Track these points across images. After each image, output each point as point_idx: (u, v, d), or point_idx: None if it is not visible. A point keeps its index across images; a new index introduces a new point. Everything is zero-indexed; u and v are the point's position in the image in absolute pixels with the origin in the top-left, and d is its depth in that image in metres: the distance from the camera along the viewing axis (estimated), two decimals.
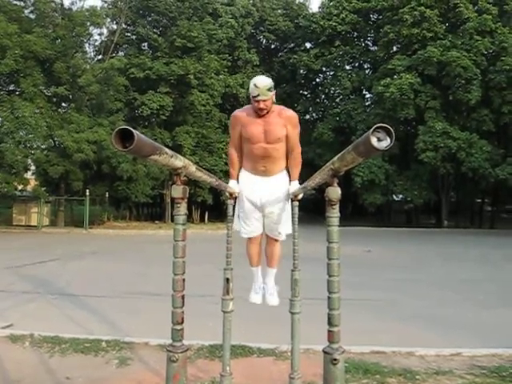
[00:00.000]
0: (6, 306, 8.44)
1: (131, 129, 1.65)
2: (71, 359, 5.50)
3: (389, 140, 1.64)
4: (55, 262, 15.40)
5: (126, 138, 1.66)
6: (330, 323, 2.26)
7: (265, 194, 4.17)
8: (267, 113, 3.90)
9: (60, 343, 5.93)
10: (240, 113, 4.16)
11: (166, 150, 2.02)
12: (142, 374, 5.04)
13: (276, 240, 4.41)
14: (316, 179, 2.88)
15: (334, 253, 2.28)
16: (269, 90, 3.78)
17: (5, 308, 8.23)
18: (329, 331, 2.26)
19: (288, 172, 4.31)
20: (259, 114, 3.90)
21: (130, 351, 5.73)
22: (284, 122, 3.98)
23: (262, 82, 3.78)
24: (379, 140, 1.63)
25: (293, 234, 4.11)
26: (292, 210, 4.20)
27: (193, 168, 2.53)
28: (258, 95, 3.75)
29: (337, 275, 2.28)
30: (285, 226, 4.27)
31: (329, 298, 2.28)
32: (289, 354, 4.71)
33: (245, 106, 4.35)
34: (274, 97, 3.92)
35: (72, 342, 5.94)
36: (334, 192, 2.26)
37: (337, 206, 2.29)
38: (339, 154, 2.07)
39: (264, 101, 3.78)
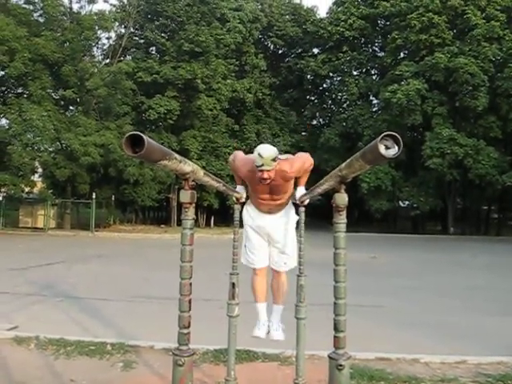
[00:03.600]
0: (11, 307, 8.46)
1: (141, 134, 1.66)
2: (76, 362, 5.51)
3: (396, 148, 1.64)
4: (61, 264, 15.43)
5: (135, 143, 1.67)
6: (335, 329, 2.26)
7: (270, 227, 4.16)
8: (270, 182, 3.79)
9: (65, 346, 5.93)
10: (242, 166, 4.06)
11: (175, 155, 2.03)
12: (146, 378, 5.04)
13: (281, 272, 4.30)
14: (323, 185, 2.89)
15: (341, 259, 2.28)
16: (273, 160, 3.66)
17: (10, 310, 8.25)
18: (335, 337, 2.26)
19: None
20: (262, 183, 3.80)
21: (134, 354, 5.73)
22: (286, 178, 3.90)
23: (266, 152, 3.66)
24: (387, 148, 1.63)
25: (299, 239, 4.12)
26: (298, 215, 4.20)
27: (201, 173, 2.54)
28: (262, 165, 3.65)
29: (343, 281, 2.28)
30: (291, 258, 4.22)
31: (335, 303, 2.29)
32: (294, 359, 4.71)
33: (248, 155, 4.13)
34: (277, 166, 3.76)
35: (77, 345, 5.94)
36: (342, 198, 2.26)
37: (344, 213, 2.29)
38: (347, 161, 2.08)
39: (268, 171, 3.68)
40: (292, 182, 4.03)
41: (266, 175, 3.69)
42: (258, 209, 4.20)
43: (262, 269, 4.28)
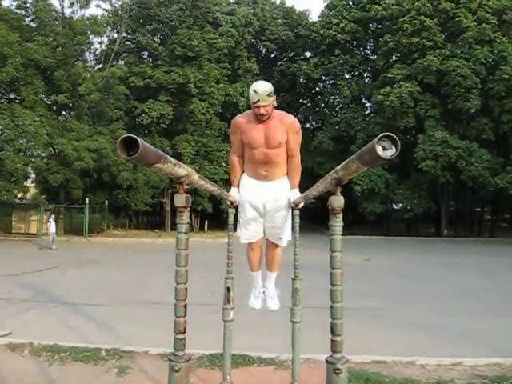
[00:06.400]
0: (4, 314, 8.40)
1: (136, 137, 1.65)
2: (70, 368, 5.47)
3: (394, 149, 1.63)
4: (54, 270, 15.39)
5: (130, 146, 1.66)
6: (332, 332, 2.25)
7: (266, 199, 4.11)
8: (268, 118, 3.85)
9: (59, 352, 5.89)
10: (240, 119, 4.10)
11: (170, 158, 2.02)
12: (141, 383, 5.01)
13: (276, 245, 4.34)
14: (319, 188, 2.87)
15: (337, 262, 2.27)
16: (269, 95, 3.72)
17: (4, 316, 8.20)
18: (332, 340, 2.25)
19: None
20: (260, 119, 3.84)
21: (129, 360, 5.70)
22: (285, 128, 3.93)
23: (261, 88, 3.72)
24: (384, 149, 1.62)
25: (294, 242, 4.10)
26: (293, 218, 4.18)
27: (195, 176, 2.52)
28: (258, 101, 3.69)
29: (339, 284, 2.27)
30: (285, 232, 4.22)
31: (331, 307, 2.27)
32: (289, 363, 4.69)
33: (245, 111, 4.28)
34: (274, 102, 3.87)
35: (71, 351, 5.90)
36: (338, 201, 2.25)
37: (340, 215, 2.28)
38: (343, 163, 2.06)
39: (264, 106, 3.73)
40: (285, 149, 4.03)
41: (262, 110, 3.74)
42: (254, 174, 4.17)
43: (257, 242, 4.32)
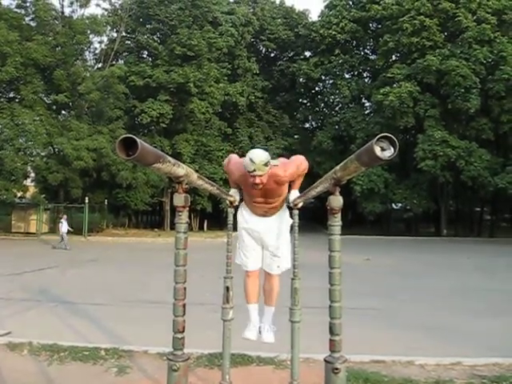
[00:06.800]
0: (4, 313, 8.40)
1: (135, 137, 1.65)
2: (70, 367, 5.47)
3: (392, 149, 1.63)
4: (54, 269, 15.39)
5: (129, 146, 1.66)
6: (331, 332, 2.25)
7: (266, 232, 4.11)
8: (263, 186, 3.73)
9: (59, 351, 5.89)
10: (236, 171, 3.99)
11: (169, 158, 2.02)
12: (141, 383, 5.01)
13: (274, 275, 4.24)
14: (318, 188, 2.87)
15: (336, 262, 2.27)
16: (265, 164, 3.60)
17: (3, 315, 8.20)
18: (330, 340, 2.24)
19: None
20: (255, 188, 3.74)
21: (128, 359, 5.70)
22: (280, 182, 3.85)
23: (258, 158, 3.59)
24: (383, 149, 1.62)
25: (293, 242, 4.10)
26: (292, 218, 4.18)
27: (195, 176, 2.52)
28: (254, 170, 3.59)
29: (338, 284, 2.27)
30: (284, 261, 4.17)
31: (330, 306, 2.27)
32: (288, 362, 4.69)
33: (242, 158, 3.95)
34: (270, 170, 3.70)
35: (71, 351, 5.90)
36: (337, 201, 2.25)
37: (339, 215, 2.28)
38: (342, 163, 2.06)
39: (260, 176, 3.62)
40: (286, 185, 3.99)
41: (258, 180, 3.64)
42: (253, 211, 4.16)
43: (255, 271, 4.24)
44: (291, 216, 4.21)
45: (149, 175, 31.11)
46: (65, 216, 24.90)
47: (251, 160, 3.58)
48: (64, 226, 23.42)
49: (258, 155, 3.62)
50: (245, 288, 4.28)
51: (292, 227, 4.18)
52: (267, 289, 4.28)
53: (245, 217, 4.18)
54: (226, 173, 4.24)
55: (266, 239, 4.12)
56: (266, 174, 3.66)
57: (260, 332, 4.24)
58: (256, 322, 4.24)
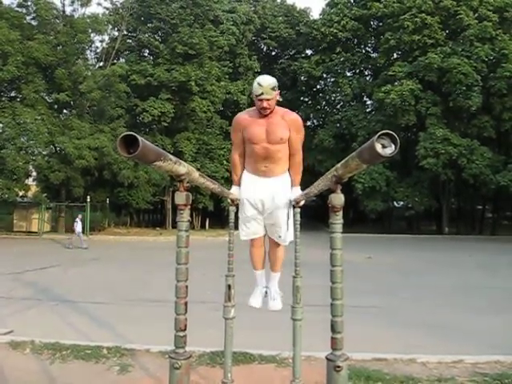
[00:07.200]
0: (6, 312, 8.42)
1: (136, 135, 1.65)
2: (72, 366, 5.47)
3: (393, 147, 1.63)
4: (56, 268, 15.41)
5: (130, 144, 1.66)
6: (333, 330, 2.24)
7: (266, 195, 4.07)
8: (270, 112, 3.82)
9: (61, 350, 5.90)
10: (242, 115, 4.07)
11: (170, 156, 2.02)
12: (143, 381, 5.02)
13: (278, 244, 4.29)
14: (319, 186, 2.86)
15: (337, 260, 2.27)
16: (272, 88, 3.69)
17: (5, 314, 8.21)
18: (332, 338, 2.24)
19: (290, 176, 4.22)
20: (262, 113, 3.81)
21: (130, 358, 5.71)
22: (287, 125, 3.89)
23: (265, 81, 3.70)
24: (384, 147, 1.62)
25: (294, 240, 4.09)
26: (294, 216, 4.17)
27: (196, 174, 2.52)
28: (262, 94, 3.67)
29: (340, 282, 2.27)
30: (286, 232, 4.15)
31: (332, 304, 2.27)
32: (290, 360, 4.69)
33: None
34: (278, 96, 3.82)
35: (73, 349, 5.91)
36: (338, 199, 2.25)
37: (340, 213, 2.27)
38: (343, 161, 2.06)
39: (267, 100, 3.70)
40: (287, 146, 3.99)
41: (265, 104, 3.72)
42: (254, 171, 4.13)
43: (258, 239, 4.28)
44: (294, 215, 4.20)
45: (150, 174, 31.12)
46: (80, 216, 24.89)
47: (259, 84, 3.69)
48: (79, 226, 23.54)
49: (266, 79, 3.75)
50: (250, 256, 4.39)
51: (294, 225, 4.16)
52: (272, 257, 4.38)
53: (245, 183, 4.18)
54: (232, 140, 4.25)
55: (266, 205, 4.09)
56: (273, 99, 3.75)
57: (267, 297, 4.36)
58: (262, 287, 4.40)
